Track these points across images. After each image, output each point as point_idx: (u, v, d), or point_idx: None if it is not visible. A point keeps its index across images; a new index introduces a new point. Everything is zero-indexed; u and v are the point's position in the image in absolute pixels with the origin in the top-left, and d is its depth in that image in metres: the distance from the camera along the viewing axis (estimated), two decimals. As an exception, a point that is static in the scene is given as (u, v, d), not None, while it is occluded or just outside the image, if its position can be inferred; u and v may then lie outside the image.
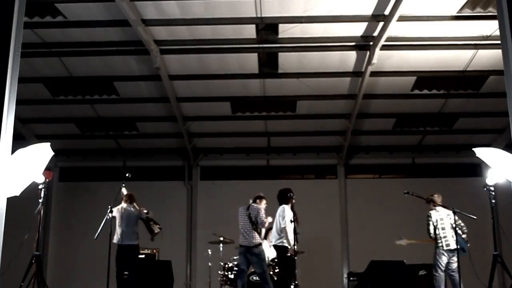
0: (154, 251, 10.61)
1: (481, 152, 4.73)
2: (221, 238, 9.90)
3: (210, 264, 10.11)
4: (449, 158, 13.97)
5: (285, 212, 8.25)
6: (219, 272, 9.49)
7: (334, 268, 13.33)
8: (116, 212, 8.77)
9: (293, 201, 8.36)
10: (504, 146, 11.83)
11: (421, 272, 9.75)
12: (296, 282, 9.06)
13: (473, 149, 4.97)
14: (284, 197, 8.48)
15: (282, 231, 8.21)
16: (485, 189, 7.51)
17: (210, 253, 10.14)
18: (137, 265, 9.09)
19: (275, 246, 8.43)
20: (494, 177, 7.05)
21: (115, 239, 8.75)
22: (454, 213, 8.82)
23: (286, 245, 8.17)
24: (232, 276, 9.29)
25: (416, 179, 13.60)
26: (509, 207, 9.88)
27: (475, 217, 8.96)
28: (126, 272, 9.38)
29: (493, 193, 7.44)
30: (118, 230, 8.79)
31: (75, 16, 9.21)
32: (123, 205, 8.92)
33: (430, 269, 9.79)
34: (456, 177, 13.68)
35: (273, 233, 8.56)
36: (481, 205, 9.44)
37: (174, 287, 9.50)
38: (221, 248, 9.91)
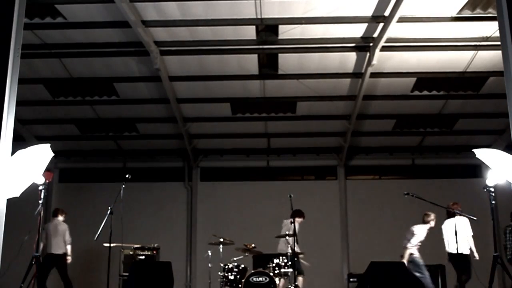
0: (154, 252, 10.60)
1: (481, 153, 4.74)
2: (221, 239, 9.88)
3: (210, 265, 10.10)
4: (449, 159, 13.97)
5: (463, 223, 9.00)
6: (219, 273, 9.48)
7: (334, 269, 13.32)
8: (51, 224, 10.22)
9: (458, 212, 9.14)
10: (504, 147, 11.83)
11: (421, 273, 9.73)
12: (296, 283, 9.08)
13: (473, 150, 4.98)
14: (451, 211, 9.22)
15: (470, 240, 8.97)
16: (485, 190, 7.50)
17: (210, 254, 10.12)
18: (136, 266, 9.11)
19: (463, 254, 8.93)
20: (494, 178, 7.04)
21: (51, 249, 10.00)
22: (454, 214, 8.86)
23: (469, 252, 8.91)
24: (232, 277, 9.29)
25: (416, 180, 13.60)
26: (509, 208, 9.87)
27: (475, 218, 8.98)
28: (126, 273, 9.39)
29: (493, 194, 7.42)
30: (51, 241, 10.05)
31: (75, 17, 9.21)
32: (58, 218, 10.33)
33: (430, 270, 9.79)
34: (456, 178, 13.68)
35: (453, 241, 8.89)
36: (481, 206, 9.44)
37: (174, 288, 9.50)
38: (221, 249, 9.90)
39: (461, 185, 13.27)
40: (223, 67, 10.68)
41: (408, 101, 11.86)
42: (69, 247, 10.20)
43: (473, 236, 9.20)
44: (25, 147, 3.48)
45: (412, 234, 9.42)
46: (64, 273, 10.07)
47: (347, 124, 12.44)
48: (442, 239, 9.42)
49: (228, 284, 9.27)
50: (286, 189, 10.76)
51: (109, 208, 8.36)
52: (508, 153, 4.39)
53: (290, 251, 9.37)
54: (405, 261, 9.19)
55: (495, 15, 3.79)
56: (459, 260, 8.97)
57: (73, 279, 10.29)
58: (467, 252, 9.02)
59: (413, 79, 11.05)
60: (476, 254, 8.96)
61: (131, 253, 10.19)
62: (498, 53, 8.29)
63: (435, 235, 12.86)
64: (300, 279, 9.83)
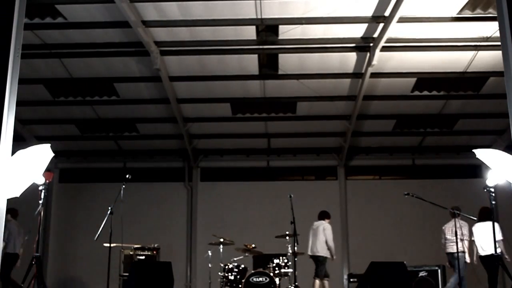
0: (154, 252, 10.60)
1: (481, 153, 4.75)
2: (221, 239, 9.89)
3: (210, 265, 10.11)
4: (449, 159, 13.97)
5: (497, 227, 8.87)
6: (219, 273, 9.49)
7: (334, 269, 13.31)
8: (14, 225, 9.94)
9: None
10: (504, 147, 11.83)
11: (422, 274, 9.74)
12: (296, 283, 9.09)
13: (473, 150, 4.98)
14: (489, 214, 8.99)
15: (500, 243, 8.80)
16: (485, 190, 7.50)
17: (210, 254, 10.13)
18: (136, 266, 9.12)
19: (493, 256, 8.67)
20: (494, 178, 7.04)
21: (15, 249, 9.74)
22: (454, 214, 8.84)
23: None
24: (232, 278, 9.29)
25: (416, 181, 13.60)
26: (509, 208, 9.88)
27: (475, 218, 8.98)
28: (126, 274, 9.39)
29: (493, 194, 7.42)
30: (15, 240, 9.83)
31: (75, 17, 9.21)
32: (13, 220, 10.07)
33: (430, 270, 9.81)
34: (457, 179, 13.67)
35: (488, 243, 8.84)
36: (481, 207, 9.44)
37: (174, 288, 9.49)
38: (221, 249, 9.90)
39: (461, 185, 13.28)
40: (223, 67, 10.68)
41: (408, 101, 11.86)
42: (21, 249, 10.06)
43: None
44: (25, 147, 3.48)
45: (465, 228, 9.31)
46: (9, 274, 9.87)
47: (347, 124, 12.44)
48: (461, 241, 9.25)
49: (228, 284, 9.28)
50: (286, 189, 10.77)
51: (109, 208, 8.36)
52: (508, 153, 4.40)
53: (329, 255, 9.99)
54: (473, 255, 9.14)
55: (495, 15, 3.79)
56: (494, 261, 8.85)
57: (73, 279, 10.30)
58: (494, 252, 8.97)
59: (413, 79, 11.04)
60: (507, 256, 8.91)
61: (131, 253, 10.18)
62: (498, 53, 8.29)
63: (435, 235, 12.88)
64: (325, 282, 9.93)
